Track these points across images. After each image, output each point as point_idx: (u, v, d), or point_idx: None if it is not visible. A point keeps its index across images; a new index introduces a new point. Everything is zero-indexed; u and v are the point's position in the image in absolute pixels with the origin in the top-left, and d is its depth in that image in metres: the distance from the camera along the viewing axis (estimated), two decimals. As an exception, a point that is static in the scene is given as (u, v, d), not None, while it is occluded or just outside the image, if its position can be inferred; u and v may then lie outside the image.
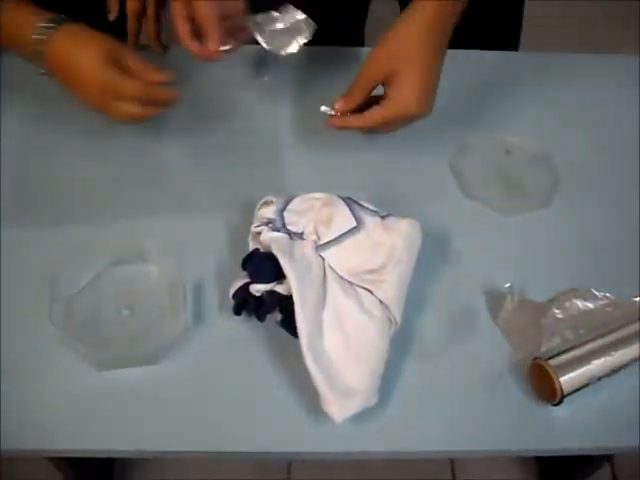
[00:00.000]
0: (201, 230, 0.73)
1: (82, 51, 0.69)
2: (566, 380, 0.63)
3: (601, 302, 0.72)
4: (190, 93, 0.83)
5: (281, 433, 0.63)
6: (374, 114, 0.74)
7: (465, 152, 0.83)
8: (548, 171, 0.82)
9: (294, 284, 0.61)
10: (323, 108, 0.75)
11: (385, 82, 0.73)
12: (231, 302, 0.66)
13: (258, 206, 0.70)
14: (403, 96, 0.72)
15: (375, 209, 0.69)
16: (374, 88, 0.75)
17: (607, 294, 0.72)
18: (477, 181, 0.80)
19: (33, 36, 0.69)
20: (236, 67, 0.87)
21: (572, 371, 0.63)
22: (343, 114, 0.75)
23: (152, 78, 0.71)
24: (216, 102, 0.85)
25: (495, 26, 0.99)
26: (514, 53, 1.00)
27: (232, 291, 0.66)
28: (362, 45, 1.13)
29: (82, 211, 0.75)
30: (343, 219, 0.67)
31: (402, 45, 0.72)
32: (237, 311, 0.66)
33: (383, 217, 0.69)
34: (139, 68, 0.71)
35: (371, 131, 0.79)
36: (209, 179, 0.79)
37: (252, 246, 0.68)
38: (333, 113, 0.75)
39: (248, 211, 0.71)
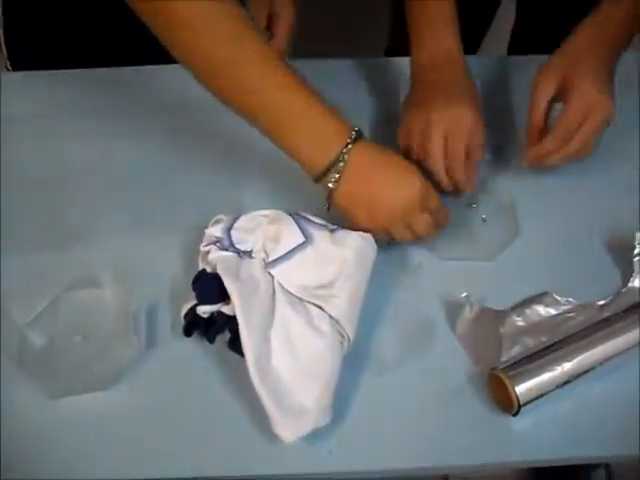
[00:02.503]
0: (156, 252, 0.73)
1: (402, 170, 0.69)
2: (523, 390, 0.62)
3: (564, 307, 0.71)
4: (146, 113, 0.83)
5: (234, 455, 0.62)
6: (559, 122, 0.73)
7: None
8: (509, 224, 0.77)
9: (238, 304, 0.61)
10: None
11: (562, 95, 0.74)
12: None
13: (209, 225, 0.69)
14: (583, 92, 0.72)
15: (323, 223, 0.69)
16: (549, 103, 0.75)
17: (569, 299, 0.71)
18: None
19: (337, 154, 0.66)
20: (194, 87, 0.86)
21: (529, 380, 0.62)
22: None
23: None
24: (175, 121, 0.85)
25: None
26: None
27: (183, 312, 0.66)
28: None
29: (35, 237, 0.75)
30: (291, 235, 0.67)
31: (575, 52, 0.74)
32: (187, 332, 0.65)
33: (332, 231, 0.68)
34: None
35: (571, 156, 0.76)
36: (164, 201, 0.78)
37: (202, 266, 0.67)
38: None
39: (203, 232, 0.70)
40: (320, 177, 0.67)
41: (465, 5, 1.04)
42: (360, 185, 0.67)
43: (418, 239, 0.72)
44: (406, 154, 0.76)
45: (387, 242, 0.71)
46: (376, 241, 0.69)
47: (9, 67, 0.98)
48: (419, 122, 0.75)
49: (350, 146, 0.66)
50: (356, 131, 0.67)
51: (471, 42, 1.14)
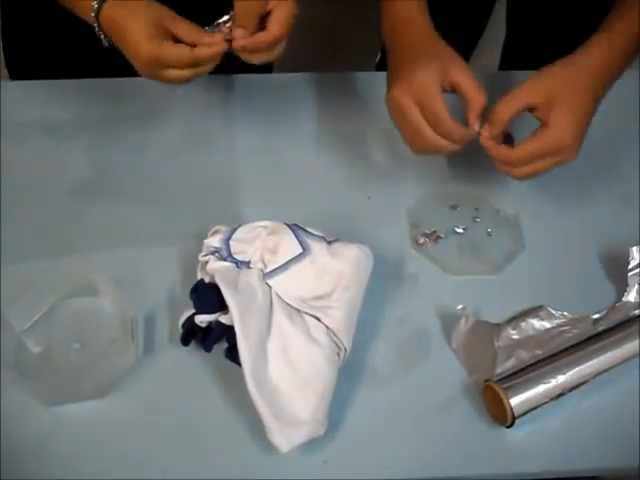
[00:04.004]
0: (155, 262, 0.73)
1: (130, 22, 0.68)
2: (517, 402, 0.62)
3: (558, 321, 0.71)
4: (145, 123, 0.84)
5: (230, 464, 0.62)
6: (527, 145, 0.70)
7: (424, 205, 0.80)
8: (514, 237, 0.78)
9: (235, 314, 0.61)
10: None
11: (538, 113, 0.71)
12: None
13: (208, 236, 0.70)
14: (560, 132, 0.69)
15: (321, 235, 0.69)
16: (522, 110, 0.71)
17: (564, 312, 0.71)
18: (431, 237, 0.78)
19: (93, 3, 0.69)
20: (193, 98, 0.87)
21: (524, 392, 0.63)
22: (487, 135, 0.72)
23: (202, 41, 0.69)
24: (171, 134, 0.85)
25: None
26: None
27: (181, 321, 0.66)
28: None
29: (33, 245, 0.75)
30: (289, 246, 0.67)
31: (562, 78, 0.71)
32: (185, 341, 0.66)
33: (330, 242, 0.69)
34: (188, 34, 0.69)
35: (512, 171, 0.73)
36: (163, 210, 0.78)
37: (200, 276, 0.68)
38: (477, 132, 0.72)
39: (202, 242, 0.71)
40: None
41: (455, 17, 1.06)
42: (114, 34, 0.69)
43: None
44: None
45: None
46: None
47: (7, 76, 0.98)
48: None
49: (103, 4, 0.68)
50: None
51: (461, 54, 1.15)
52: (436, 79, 0.71)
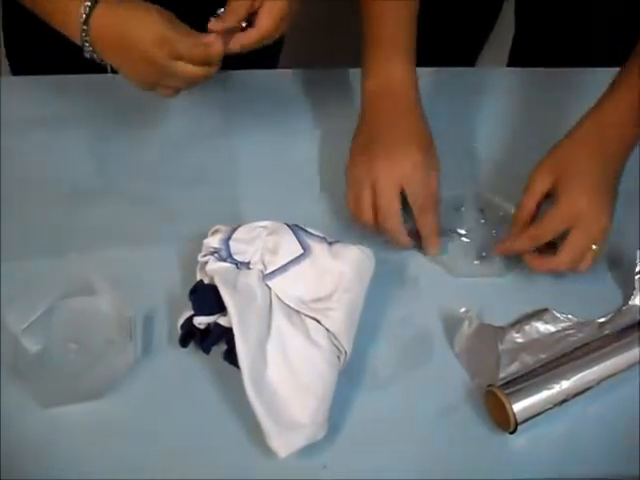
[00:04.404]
0: (153, 262, 0.73)
1: (134, 23, 0.67)
2: (520, 408, 0.61)
3: (563, 324, 0.70)
4: (146, 121, 0.83)
5: (227, 468, 0.61)
6: (544, 223, 0.69)
7: None
8: None
9: (234, 316, 0.60)
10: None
11: (552, 194, 0.70)
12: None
13: (208, 235, 0.69)
14: (570, 198, 0.68)
15: (322, 235, 0.68)
16: (541, 199, 0.71)
17: (569, 315, 0.70)
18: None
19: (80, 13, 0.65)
20: (192, 97, 0.86)
21: (527, 398, 0.62)
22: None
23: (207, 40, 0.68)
24: (170, 132, 0.84)
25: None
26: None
27: (180, 322, 0.65)
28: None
29: (31, 244, 0.75)
30: (290, 247, 0.66)
31: (570, 154, 0.70)
32: (183, 343, 0.65)
33: (331, 243, 0.68)
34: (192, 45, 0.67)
35: (548, 268, 0.71)
36: (162, 210, 0.78)
37: (199, 276, 0.67)
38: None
39: (201, 242, 0.70)
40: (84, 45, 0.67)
41: (464, 15, 1.05)
42: (113, 43, 0.67)
43: None
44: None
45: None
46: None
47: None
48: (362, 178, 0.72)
49: (93, 11, 0.65)
50: None
51: (469, 53, 1.14)
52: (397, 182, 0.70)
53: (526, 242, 0.71)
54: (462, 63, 1.02)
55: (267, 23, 0.68)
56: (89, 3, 0.65)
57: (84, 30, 0.66)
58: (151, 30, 0.66)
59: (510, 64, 1.19)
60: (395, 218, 0.70)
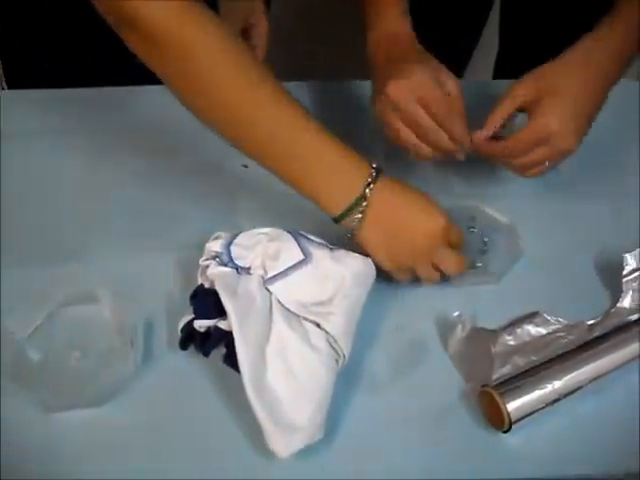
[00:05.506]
0: (154, 268, 0.74)
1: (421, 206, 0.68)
2: (514, 407, 0.63)
3: (554, 327, 0.72)
4: (147, 128, 0.85)
5: (227, 469, 0.62)
6: (517, 135, 0.71)
7: None
8: (511, 245, 0.78)
9: (234, 320, 0.62)
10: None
11: (529, 108, 0.72)
12: (181, 339, 0.67)
13: (210, 241, 0.70)
14: (546, 118, 0.70)
15: (323, 242, 0.70)
16: (513, 112, 0.74)
17: (559, 318, 0.72)
18: None
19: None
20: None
21: (520, 397, 0.63)
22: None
23: None
24: (171, 139, 0.86)
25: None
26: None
27: (180, 325, 0.66)
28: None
29: (32, 252, 0.76)
30: (290, 252, 0.67)
31: (556, 74, 0.72)
32: (183, 346, 0.66)
33: (331, 249, 0.69)
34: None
35: (517, 167, 0.75)
36: (163, 218, 0.79)
37: (200, 281, 0.68)
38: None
39: (202, 250, 0.71)
40: (341, 218, 0.66)
41: (449, 29, 1.08)
42: (383, 224, 0.67)
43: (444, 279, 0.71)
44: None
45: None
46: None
47: (4, 86, 0.99)
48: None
49: (372, 185, 0.65)
50: (375, 168, 0.66)
51: (456, 66, 1.16)
52: (432, 77, 0.73)
53: (497, 149, 0.74)
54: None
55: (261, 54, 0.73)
56: (370, 179, 0.65)
57: (357, 202, 0.65)
58: (438, 221, 0.67)
59: (495, 76, 1.22)
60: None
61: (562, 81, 0.72)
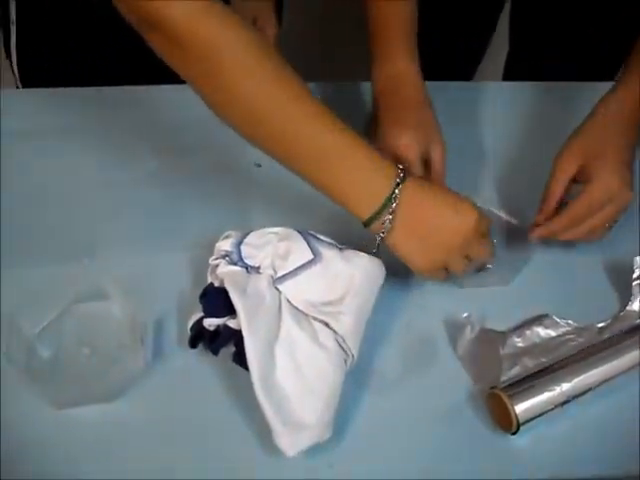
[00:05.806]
0: (164, 266, 0.74)
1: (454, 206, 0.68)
2: (522, 409, 0.63)
3: (563, 329, 0.72)
4: (158, 128, 0.85)
5: (236, 467, 0.62)
6: (576, 204, 0.72)
7: None
8: (521, 247, 0.78)
9: (243, 319, 0.62)
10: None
11: (580, 176, 0.73)
12: (191, 336, 0.67)
13: (220, 240, 0.71)
14: (604, 180, 0.70)
15: (333, 242, 0.70)
16: (569, 184, 0.74)
17: (569, 321, 0.72)
18: None
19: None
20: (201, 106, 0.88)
21: (528, 399, 0.63)
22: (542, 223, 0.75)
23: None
24: (184, 137, 0.86)
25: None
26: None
27: (190, 324, 0.67)
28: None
29: (43, 250, 0.76)
30: (300, 252, 0.67)
31: (596, 136, 0.73)
32: (192, 344, 0.67)
33: (341, 249, 0.69)
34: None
35: (579, 238, 0.75)
36: (173, 217, 0.80)
37: (210, 279, 0.68)
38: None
39: (212, 249, 0.71)
40: (370, 221, 0.66)
41: (459, 32, 1.08)
42: (413, 226, 0.66)
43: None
44: None
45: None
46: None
47: (19, 85, 1.00)
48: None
49: (400, 186, 0.64)
50: (401, 169, 0.65)
51: (466, 68, 1.17)
52: (419, 142, 0.76)
53: (565, 222, 0.73)
54: (460, 77, 1.05)
55: None
56: (398, 179, 0.65)
57: (386, 202, 0.64)
58: (470, 217, 0.67)
59: (505, 78, 1.22)
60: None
61: (607, 138, 0.72)
